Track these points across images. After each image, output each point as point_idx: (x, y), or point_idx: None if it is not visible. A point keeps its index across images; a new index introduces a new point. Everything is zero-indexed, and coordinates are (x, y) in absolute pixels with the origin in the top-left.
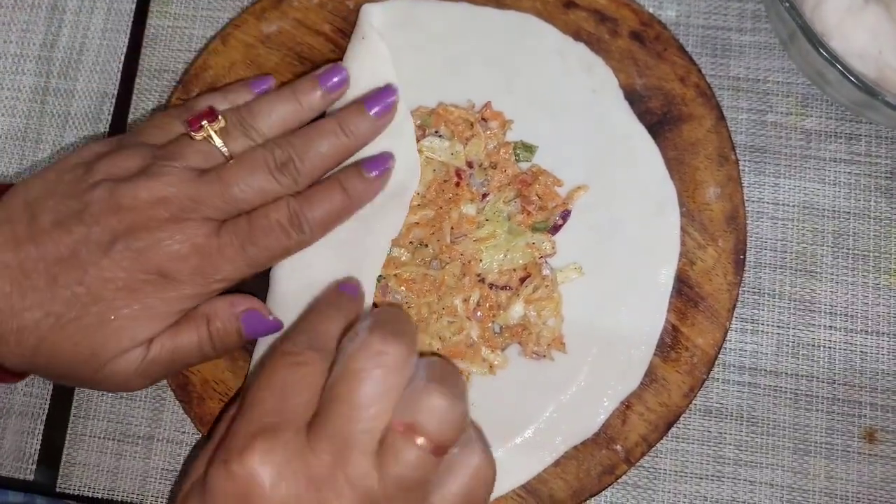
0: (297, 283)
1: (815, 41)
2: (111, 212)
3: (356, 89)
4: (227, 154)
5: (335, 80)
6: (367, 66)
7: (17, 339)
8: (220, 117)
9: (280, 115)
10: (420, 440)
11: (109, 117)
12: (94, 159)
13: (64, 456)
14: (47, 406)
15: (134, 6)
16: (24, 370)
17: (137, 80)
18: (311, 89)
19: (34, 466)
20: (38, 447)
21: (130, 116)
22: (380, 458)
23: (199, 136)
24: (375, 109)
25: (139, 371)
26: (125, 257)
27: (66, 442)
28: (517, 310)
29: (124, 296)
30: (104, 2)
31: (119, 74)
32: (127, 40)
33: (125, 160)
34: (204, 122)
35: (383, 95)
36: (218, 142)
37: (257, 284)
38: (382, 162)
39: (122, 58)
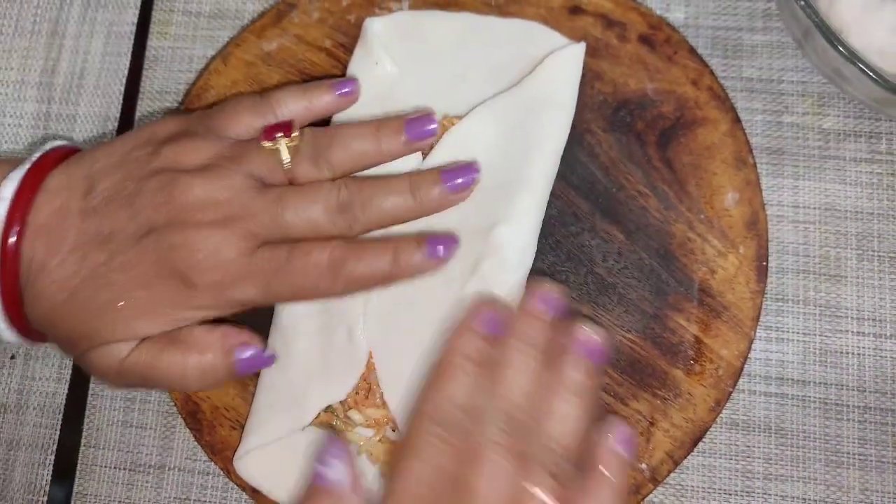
0: (305, 313)
1: (833, 38)
2: (160, 203)
3: (361, 107)
4: (287, 169)
5: (424, 129)
6: (372, 83)
7: (36, 302)
8: (295, 134)
9: (356, 151)
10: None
11: None
12: (164, 141)
13: (75, 487)
14: (57, 436)
15: (133, 28)
16: (38, 329)
17: (139, 102)
18: (394, 134)
19: (45, 498)
20: (49, 479)
21: None
22: None
23: (269, 145)
24: (451, 183)
25: (119, 369)
26: (152, 250)
27: (77, 473)
28: None
29: (137, 286)
30: (103, 25)
31: (121, 97)
32: (128, 63)
33: (193, 151)
34: (279, 135)
35: (463, 171)
36: (285, 157)
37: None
38: (447, 245)
39: (124, 80)
